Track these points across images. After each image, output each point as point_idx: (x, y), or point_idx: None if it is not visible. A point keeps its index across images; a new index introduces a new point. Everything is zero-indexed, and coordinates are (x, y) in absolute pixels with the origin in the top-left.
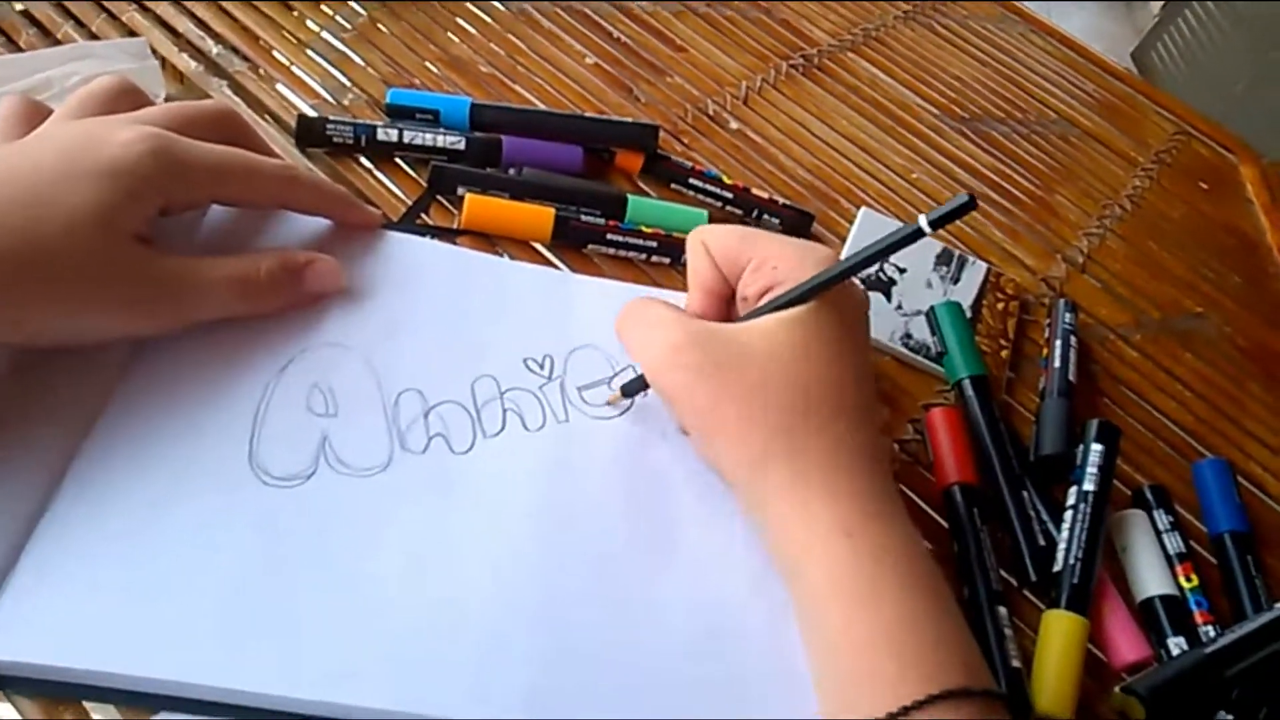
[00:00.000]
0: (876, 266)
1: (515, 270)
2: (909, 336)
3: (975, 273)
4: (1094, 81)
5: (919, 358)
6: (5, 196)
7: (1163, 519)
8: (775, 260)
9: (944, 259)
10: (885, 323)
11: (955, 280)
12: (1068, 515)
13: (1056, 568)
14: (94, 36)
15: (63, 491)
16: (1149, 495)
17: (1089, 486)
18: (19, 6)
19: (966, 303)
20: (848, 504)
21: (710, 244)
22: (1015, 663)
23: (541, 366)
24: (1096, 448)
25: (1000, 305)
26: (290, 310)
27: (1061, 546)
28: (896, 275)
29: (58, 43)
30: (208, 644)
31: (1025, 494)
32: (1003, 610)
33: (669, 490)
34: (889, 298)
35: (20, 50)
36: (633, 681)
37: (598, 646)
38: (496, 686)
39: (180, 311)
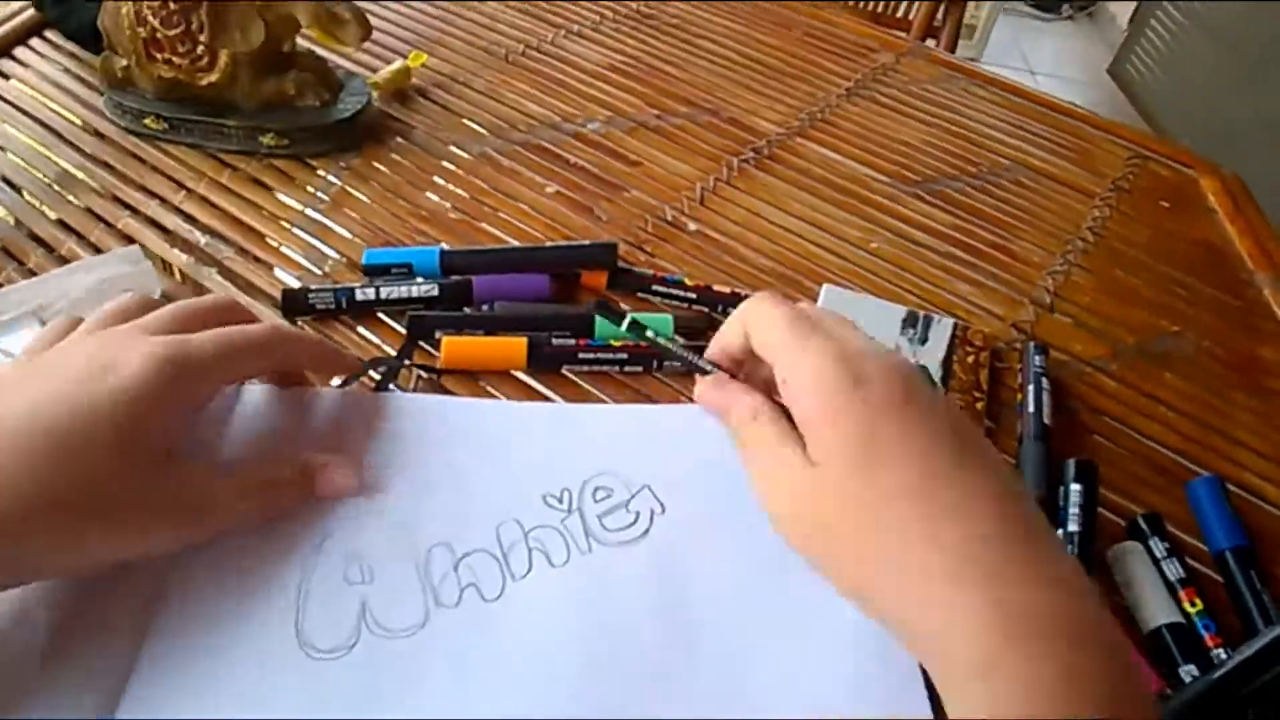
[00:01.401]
0: None
1: (522, 411)
2: None
3: (942, 330)
4: (1042, 122)
5: None
6: (35, 448)
7: (1159, 547)
8: (785, 377)
9: (910, 321)
10: None
11: (923, 340)
12: None
13: None
14: (94, 246)
15: (127, 695)
16: (1143, 525)
17: (1073, 527)
18: (25, 231)
19: (936, 361)
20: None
21: (751, 330)
22: None
23: (560, 500)
24: (1075, 487)
25: (970, 358)
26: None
27: None
28: None
29: (62, 259)
30: None
31: None
32: None
33: (696, 606)
34: None
35: (30, 270)
36: None
37: None
38: None
39: (204, 531)
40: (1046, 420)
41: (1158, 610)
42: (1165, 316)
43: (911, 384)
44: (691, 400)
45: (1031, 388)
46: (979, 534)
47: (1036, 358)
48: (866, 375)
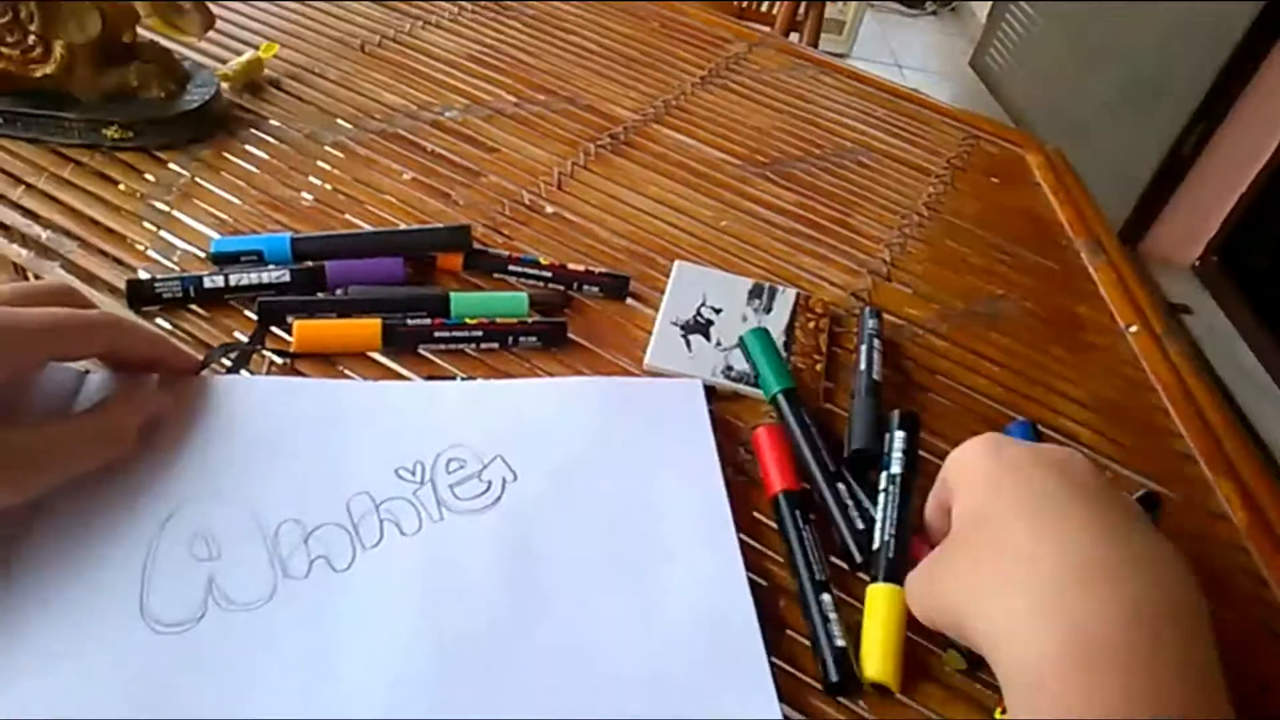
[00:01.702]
0: (694, 311)
1: (374, 389)
2: (730, 369)
3: (786, 300)
4: (884, 107)
5: (741, 385)
6: None
7: None
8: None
9: (756, 293)
10: (707, 360)
11: (768, 310)
12: (880, 498)
13: (875, 546)
14: None
15: None
16: None
17: (895, 470)
18: None
19: (779, 328)
20: None
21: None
22: (840, 642)
23: (413, 473)
24: (899, 434)
25: (811, 324)
26: (160, 463)
27: (878, 527)
28: (713, 315)
29: None
30: None
31: (842, 486)
32: (827, 597)
33: (544, 570)
34: (708, 337)
35: None
36: None
37: None
38: None
39: (45, 478)
40: (876, 377)
41: None
42: (992, 281)
43: (1056, 466)
44: (544, 374)
45: (864, 348)
46: (1071, 563)
47: (870, 321)
48: (1006, 451)
